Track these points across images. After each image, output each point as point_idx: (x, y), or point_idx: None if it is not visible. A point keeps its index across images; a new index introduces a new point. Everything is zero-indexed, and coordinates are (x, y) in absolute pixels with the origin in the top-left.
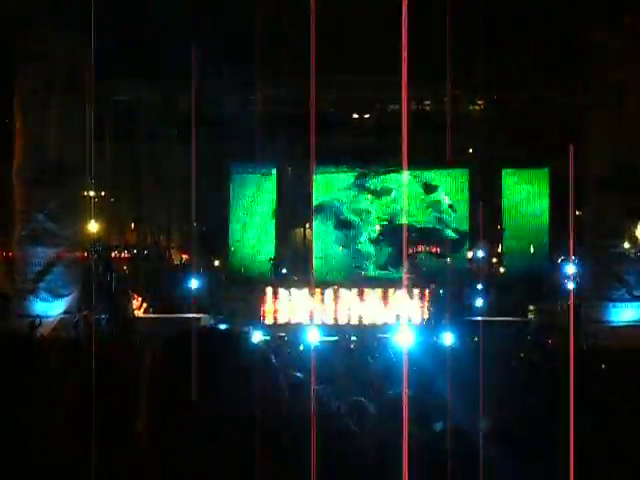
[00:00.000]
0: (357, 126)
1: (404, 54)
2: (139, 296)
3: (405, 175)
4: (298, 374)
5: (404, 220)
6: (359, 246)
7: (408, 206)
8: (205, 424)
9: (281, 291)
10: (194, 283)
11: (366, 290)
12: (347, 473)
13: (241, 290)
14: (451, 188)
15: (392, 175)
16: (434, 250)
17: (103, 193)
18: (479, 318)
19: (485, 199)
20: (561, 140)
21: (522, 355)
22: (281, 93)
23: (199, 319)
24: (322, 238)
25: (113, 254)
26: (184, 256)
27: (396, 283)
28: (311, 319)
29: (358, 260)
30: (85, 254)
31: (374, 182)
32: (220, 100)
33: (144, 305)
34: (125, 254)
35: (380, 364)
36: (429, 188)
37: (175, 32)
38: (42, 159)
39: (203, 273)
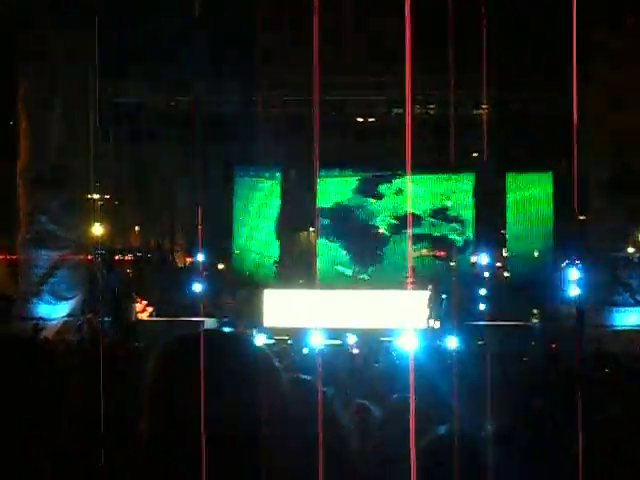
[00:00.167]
0: (361, 129)
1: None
2: (143, 299)
3: (409, 179)
4: (304, 376)
5: (409, 224)
6: (363, 249)
7: (412, 210)
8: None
9: (285, 294)
10: (198, 286)
11: (370, 293)
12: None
13: (245, 293)
14: (455, 192)
15: (396, 179)
16: (438, 254)
17: (107, 196)
18: (483, 322)
19: (489, 203)
20: (565, 143)
21: (526, 359)
22: (285, 96)
23: (203, 322)
24: (326, 241)
25: (117, 257)
26: (188, 259)
27: (400, 287)
28: (315, 322)
29: (362, 263)
30: (89, 257)
31: (378, 186)
32: (224, 103)
33: (148, 308)
34: (129, 257)
35: (384, 368)
36: (433, 192)
37: (178, 33)
38: (46, 161)
39: (207, 276)
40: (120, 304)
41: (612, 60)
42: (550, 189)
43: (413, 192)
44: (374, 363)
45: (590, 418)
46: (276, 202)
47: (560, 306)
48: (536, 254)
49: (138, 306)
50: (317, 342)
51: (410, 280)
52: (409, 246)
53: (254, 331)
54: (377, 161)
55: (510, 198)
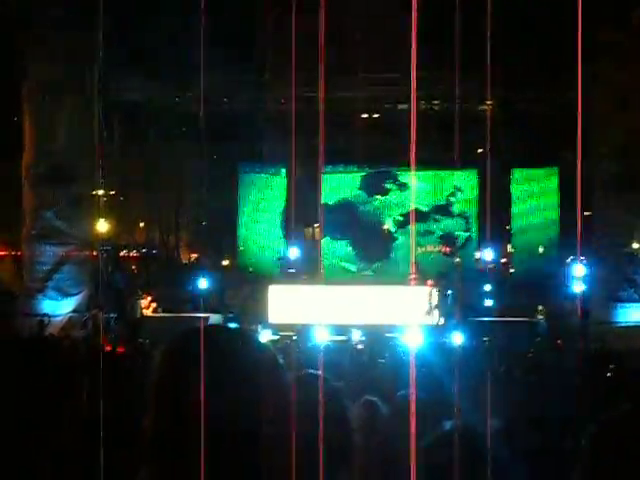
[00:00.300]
0: (366, 125)
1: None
2: (148, 295)
3: (414, 174)
4: (315, 371)
5: (413, 219)
6: (368, 245)
7: (417, 206)
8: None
9: (290, 290)
10: (203, 282)
11: (375, 289)
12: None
13: (250, 289)
14: (460, 188)
15: (401, 174)
16: (443, 250)
17: (112, 192)
18: (488, 319)
19: (494, 198)
20: (570, 139)
21: (531, 355)
22: (290, 92)
23: (208, 318)
24: (331, 237)
25: (122, 253)
26: (193, 255)
27: (405, 282)
28: (320, 319)
29: (367, 259)
30: (94, 253)
31: (383, 182)
32: (228, 100)
33: (153, 304)
34: (134, 253)
35: (389, 364)
36: (438, 187)
37: (182, 31)
38: (51, 157)
39: (212, 272)
40: (125, 300)
41: (618, 59)
42: (555, 185)
43: (418, 188)
44: (379, 359)
45: (595, 415)
46: (281, 198)
47: (565, 302)
48: (541, 250)
49: (143, 302)
50: (322, 338)
51: (414, 276)
52: (413, 242)
53: (259, 327)
54: (382, 157)
55: (515, 194)
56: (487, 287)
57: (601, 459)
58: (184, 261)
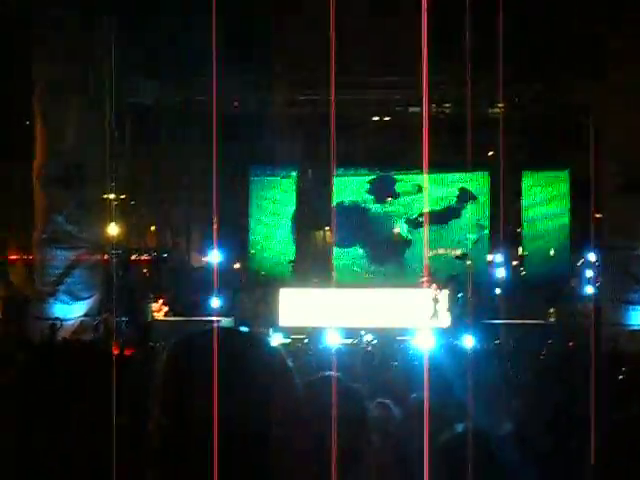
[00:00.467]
0: (377, 128)
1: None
2: (159, 299)
3: (425, 177)
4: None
5: (425, 222)
6: (380, 248)
7: (429, 208)
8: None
9: (301, 293)
10: (214, 286)
11: (386, 292)
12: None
13: (261, 292)
14: (471, 190)
15: (412, 177)
16: (455, 252)
17: (123, 195)
18: (500, 321)
19: (505, 201)
20: (581, 142)
21: (543, 358)
22: (301, 95)
23: (219, 322)
24: (342, 240)
25: (133, 257)
26: (204, 259)
27: (417, 285)
28: (331, 321)
29: (378, 262)
30: (105, 257)
31: (394, 184)
32: (239, 102)
33: (164, 308)
34: (145, 257)
35: (402, 367)
36: (449, 190)
37: (194, 32)
38: (62, 161)
39: (223, 275)
40: (136, 304)
41: (629, 61)
42: (566, 188)
43: (429, 191)
44: (391, 362)
45: (609, 417)
46: (292, 201)
47: (576, 304)
48: (552, 252)
49: (154, 306)
50: (333, 341)
51: (426, 279)
52: (425, 245)
53: (270, 330)
54: (393, 160)
55: (526, 197)
56: (498, 290)
57: (614, 460)
58: (195, 264)
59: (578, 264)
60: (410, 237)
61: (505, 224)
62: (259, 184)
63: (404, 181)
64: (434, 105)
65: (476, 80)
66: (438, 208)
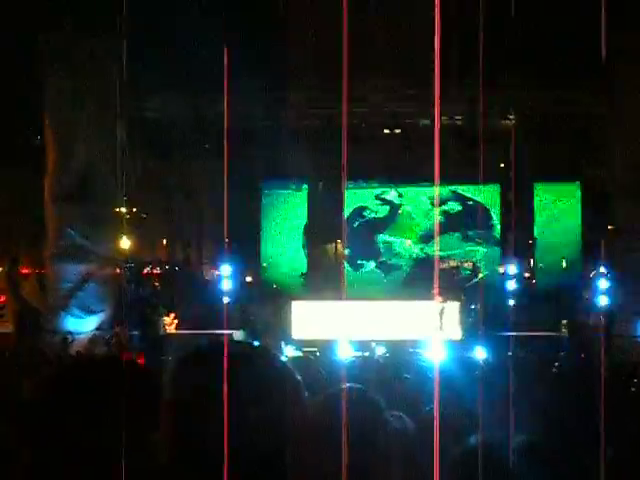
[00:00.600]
0: (388, 141)
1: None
2: (171, 312)
3: (437, 190)
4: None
5: (437, 234)
6: (391, 260)
7: (440, 220)
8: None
9: (312, 306)
10: (226, 299)
11: (398, 304)
12: None
13: (273, 305)
14: (483, 202)
15: (423, 190)
16: (466, 264)
17: (134, 209)
18: (512, 333)
19: (517, 213)
20: (593, 154)
21: (555, 370)
22: (311, 108)
23: (231, 335)
24: (352, 253)
25: (145, 270)
26: (216, 272)
27: (428, 298)
28: (343, 334)
29: (389, 275)
30: (117, 270)
31: (405, 197)
32: (251, 116)
33: (176, 321)
34: (157, 270)
35: (414, 379)
36: (461, 203)
37: (204, 46)
38: (74, 175)
39: (235, 289)
40: (148, 317)
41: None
42: (578, 199)
43: (440, 203)
44: (404, 375)
45: (621, 430)
46: (303, 214)
47: (589, 316)
48: (564, 264)
49: (166, 319)
50: (345, 354)
51: (437, 291)
52: (436, 257)
53: (282, 343)
54: (404, 172)
55: (537, 208)
56: (510, 302)
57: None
58: (207, 277)
59: (590, 275)
60: (420, 249)
61: (516, 235)
62: (271, 197)
63: (415, 193)
64: (445, 117)
65: (488, 92)
66: (449, 220)
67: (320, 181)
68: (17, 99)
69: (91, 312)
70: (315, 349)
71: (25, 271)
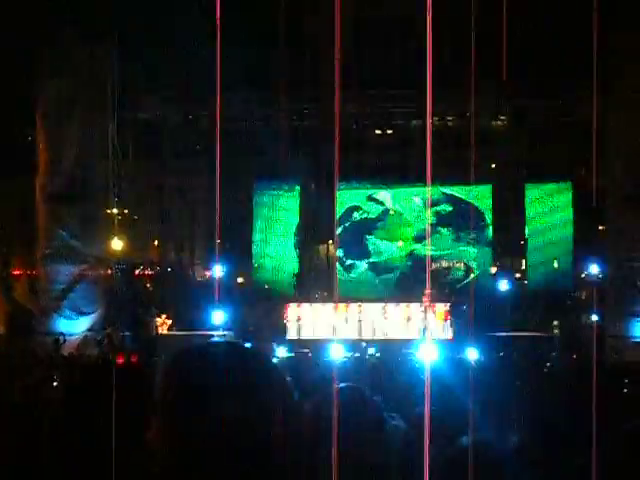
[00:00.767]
0: (379, 142)
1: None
2: (163, 313)
3: (429, 191)
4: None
5: (428, 235)
6: (382, 261)
7: (432, 221)
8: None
9: (304, 307)
10: (218, 300)
11: (389, 305)
12: None
13: (265, 306)
14: (474, 203)
15: (415, 190)
16: (458, 265)
17: (126, 210)
18: (503, 334)
19: (508, 213)
20: (584, 154)
21: (547, 370)
22: (303, 110)
23: (224, 336)
24: (344, 254)
25: (136, 271)
26: (207, 273)
27: (420, 298)
28: (335, 335)
29: (381, 276)
30: (109, 271)
31: (397, 197)
32: (243, 117)
33: (167, 322)
34: (148, 271)
35: (406, 380)
36: (452, 204)
37: (194, 48)
38: (65, 176)
39: (227, 289)
40: (140, 318)
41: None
42: (569, 200)
43: (431, 203)
44: (396, 375)
45: (612, 429)
46: (295, 215)
47: (580, 316)
48: (555, 264)
49: (158, 320)
50: (337, 354)
51: (429, 292)
52: (428, 258)
53: (274, 344)
54: (396, 174)
55: (529, 209)
56: (502, 302)
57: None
58: (199, 279)
59: (582, 276)
60: (412, 250)
61: (508, 236)
62: (263, 198)
63: (406, 194)
64: (437, 118)
65: (480, 93)
66: (440, 220)
67: (312, 182)
68: (6, 100)
69: (83, 313)
70: (307, 350)
71: (17, 273)
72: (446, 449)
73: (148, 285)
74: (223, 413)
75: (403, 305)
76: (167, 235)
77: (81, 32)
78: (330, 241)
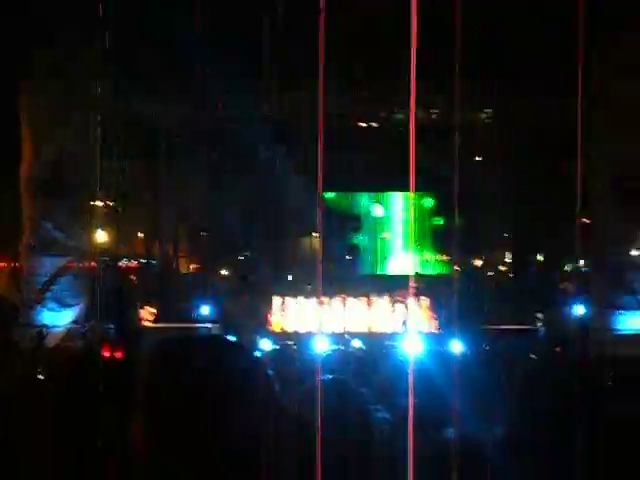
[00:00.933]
0: (363, 141)
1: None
2: (147, 305)
3: (412, 184)
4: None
5: (412, 228)
6: (367, 254)
7: (415, 212)
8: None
9: (289, 299)
10: (203, 292)
11: (374, 298)
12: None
13: (250, 299)
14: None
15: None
16: (442, 258)
17: (111, 203)
18: (487, 326)
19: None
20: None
21: (530, 363)
22: (288, 106)
23: (208, 328)
24: (330, 247)
25: (121, 263)
26: (192, 265)
27: (404, 291)
28: (319, 327)
29: (366, 269)
30: (93, 264)
31: (382, 195)
32: (227, 113)
33: (152, 314)
34: (133, 263)
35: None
36: (435, 197)
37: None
38: (49, 168)
39: (212, 282)
40: (124, 311)
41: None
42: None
43: (415, 197)
44: (380, 367)
45: (596, 422)
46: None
47: (564, 309)
48: (540, 257)
49: (142, 312)
50: (322, 347)
51: (413, 285)
52: (411, 251)
53: (258, 336)
54: (379, 171)
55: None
56: (486, 295)
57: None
58: (184, 271)
59: (566, 268)
60: (396, 243)
61: (493, 229)
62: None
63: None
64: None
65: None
66: (425, 213)
67: (296, 175)
68: None
69: (67, 305)
70: (292, 342)
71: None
72: (431, 440)
73: (132, 277)
74: (203, 407)
75: (387, 298)
76: (152, 227)
77: (65, 28)
78: (314, 234)
